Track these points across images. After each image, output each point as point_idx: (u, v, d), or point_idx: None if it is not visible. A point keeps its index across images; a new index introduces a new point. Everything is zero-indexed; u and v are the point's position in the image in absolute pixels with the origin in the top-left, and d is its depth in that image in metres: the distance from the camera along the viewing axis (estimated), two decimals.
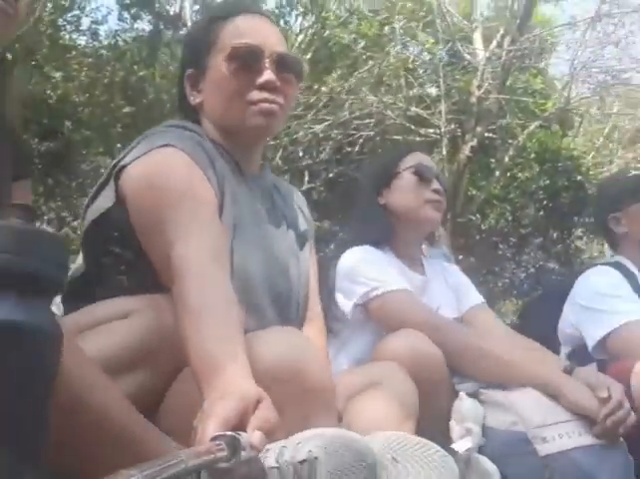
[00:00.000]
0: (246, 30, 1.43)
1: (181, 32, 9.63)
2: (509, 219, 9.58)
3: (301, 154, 9.13)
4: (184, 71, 1.48)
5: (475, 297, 2.17)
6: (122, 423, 0.97)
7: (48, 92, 9.64)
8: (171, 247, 1.17)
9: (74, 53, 9.37)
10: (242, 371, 1.01)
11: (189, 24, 9.23)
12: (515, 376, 1.76)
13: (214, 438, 0.84)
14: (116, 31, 10.20)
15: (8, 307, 0.59)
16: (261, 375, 1.08)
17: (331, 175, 9.81)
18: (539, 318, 2.51)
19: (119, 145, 10.12)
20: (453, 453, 1.67)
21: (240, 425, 0.90)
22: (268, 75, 1.39)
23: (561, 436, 1.63)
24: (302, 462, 1.00)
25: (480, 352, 1.79)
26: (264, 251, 1.43)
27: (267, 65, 1.40)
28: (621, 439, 1.68)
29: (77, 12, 9.86)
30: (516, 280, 11.04)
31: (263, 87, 1.40)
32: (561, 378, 1.75)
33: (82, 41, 9.94)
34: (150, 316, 1.17)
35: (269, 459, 1.01)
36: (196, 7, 9.62)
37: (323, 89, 7.64)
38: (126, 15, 9.92)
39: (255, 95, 1.40)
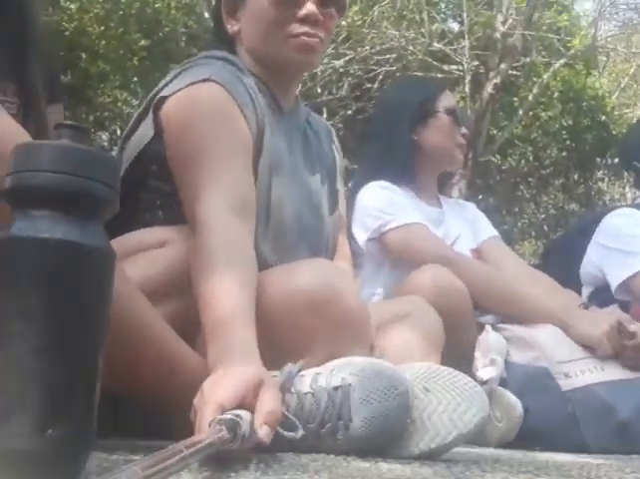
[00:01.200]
0: None
1: None
2: (531, 159, 9.46)
3: (319, 90, 9.00)
4: None
5: (490, 230, 2.21)
6: (165, 345, 1.00)
7: (64, 24, 9.50)
8: (200, 193, 1.18)
9: None
10: (249, 339, 0.99)
11: None
12: (525, 309, 1.79)
13: (214, 421, 0.82)
14: None
15: (63, 227, 0.60)
16: (298, 303, 1.10)
17: (349, 112, 9.69)
18: (561, 259, 2.52)
19: (135, 78, 10.06)
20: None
21: (242, 401, 0.87)
22: (310, 7, 1.36)
23: (583, 372, 1.66)
24: (336, 388, 1.02)
25: (491, 285, 1.82)
26: (299, 189, 1.43)
27: None
28: None
29: None
30: (536, 222, 10.99)
31: (304, 20, 1.36)
32: (569, 311, 1.78)
33: None
34: (186, 246, 1.18)
35: (304, 385, 1.03)
36: None
37: (342, 22, 7.46)
38: None
39: (296, 28, 1.37)
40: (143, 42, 9.84)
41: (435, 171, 2.16)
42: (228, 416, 0.82)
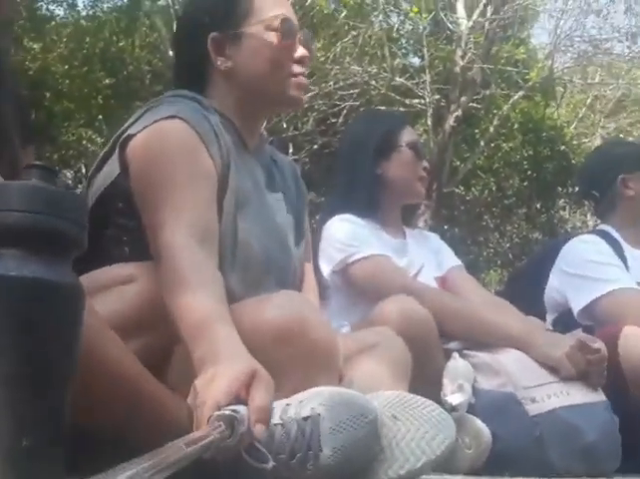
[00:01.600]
0: (279, 2, 1.47)
1: (160, 2, 9.49)
2: (494, 189, 9.63)
3: (285, 125, 9.09)
4: (201, 32, 1.44)
5: (453, 260, 2.25)
6: (134, 379, 1.00)
7: (27, 63, 9.49)
8: (163, 223, 1.20)
9: (52, 24, 9.22)
10: (232, 335, 1.01)
11: None
12: (489, 333, 1.83)
13: (213, 418, 0.84)
14: (94, 1, 10.06)
15: (32, 265, 0.61)
16: (267, 336, 1.11)
17: (315, 146, 9.78)
18: (524, 286, 2.57)
19: (100, 116, 10.05)
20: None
21: (236, 396, 0.89)
22: (303, 50, 1.44)
23: (549, 396, 1.68)
24: (305, 419, 1.03)
25: (456, 313, 1.85)
26: (265, 224, 1.45)
27: (299, 40, 1.45)
28: (604, 398, 1.75)
29: None
30: (501, 250, 11.15)
31: (299, 61, 1.44)
32: (531, 331, 1.82)
33: (60, 11, 9.77)
34: (151, 282, 1.19)
35: (274, 416, 1.04)
36: None
37: None
38: None
39: (295, 68, 1.43)
40: (107, 80, 9.86)
41: (398, 203, 2.21)
42: (226, 412, 0.85)
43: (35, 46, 9.36)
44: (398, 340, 1.62)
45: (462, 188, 9.23)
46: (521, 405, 1.67)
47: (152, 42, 10.17)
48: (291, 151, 9.83)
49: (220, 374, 0.90)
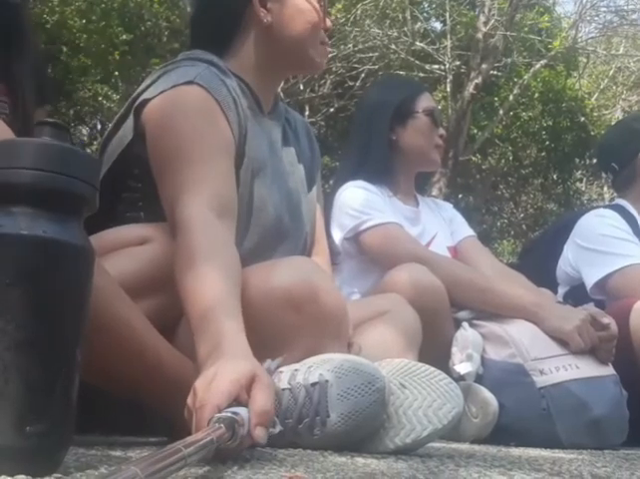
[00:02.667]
0: None
1: None
2: (510, 159, 9.54)
3: (302, 87, 9.01)
4: None
5: (466, 230, 2.23)
6: (144, 340, 1.00)
7: (45, 17, 9.42)
8: (181, 194, 1.18)
9: None
10: (238, 331, 0.98)
11: None
12: (500, 304, 1.81)
13: (213, 420, 0.82)
14: None
15: (43, 224, 0.60)
16: (277, 300, 1.10)
17: (332, 109, 9.70)
18: (538, 258, 2.56)
19: (116, 72, 9.99)
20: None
21: (237, 398, 0.87)
22: (330, 22, 1.50)
23: (558, 369, 1.68)
24: (313, 385, 1.04)
25: (467, 282, 1.85)
26: (280, 191, 1.44)
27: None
28: (614, 372, 1.74)
29: None
30: (515, 221, 11.09)
31: (327, 30, 1.49)
32: (542, 305, 1.80)
33: None
34: (167, 243, 1.18)
35: (282, 381, 1.05)
36: None
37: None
38: None
39: (323, 36, 1.48)
40: (124, 36, 9.75)
41: (412, 171, 2.19)
42: (226, 414, 0.82)
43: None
44: (408, 308, 1.62)
45: (478, 156, 9.14)
46: (530, 376, 1.67)
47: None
48: (307, 113, 9.76)
49: (221, 375, 0.88)
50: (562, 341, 1.74)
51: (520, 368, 1.69)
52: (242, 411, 0.84)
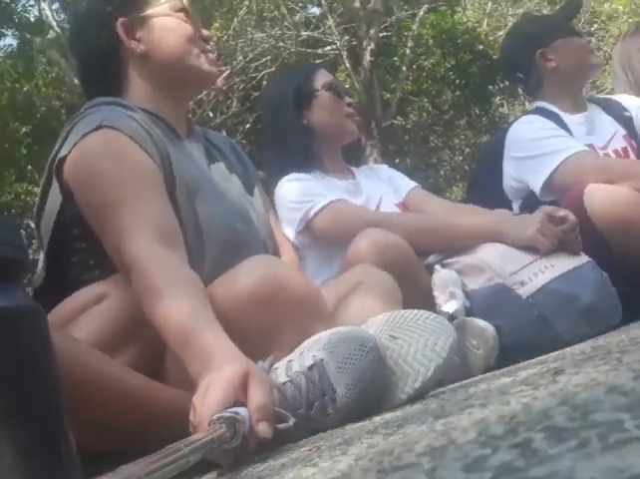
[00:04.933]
0: None
1: (48, 36, 9.27)
2: (430, 109, 9.66)
3: (211, 114, 9.00)
4: (106, 22, 1.44)
5: (408, 183, 2.26)
6: (131, 385, 0.99)
7: None
8: (123, 241, 1.17)
9: None
10: (220, 338, 0.99)
11: (55, 25, 8.89)
12: (461, 236, 1.85)
13: (213, 421, 0.83)
14: None
15: None
16: (247, 302, 1.11)
17: (248, 125, 9.72)
18: (484, 187, 2.60)
19: (29, 167, 9.86)
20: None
21: (235, 400, 0.88)
22: (206, 31, 1.53)
23: (536, 275, 1.71)
24: (310, 368, 1.04)
25: (424, 229, 1.88)
26: (223, 204, 1.44)
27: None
28: (588, 259, 1.78)
29: None
30: (455, 165, 11.23)
31: (206, 40, 1.50)
32: (498, 222, 1.84)
33: None
34: (123, 295, 1.18)
35: (280, 376, 1.05)
36: (56, 6, 9.25)
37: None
38: None
39: (204, 46, 1.49)
40: (24, 129, 9.67)
41: (333, 146, 2.20)
42: (226, 414, 0.83)
43: None
44: (379, 272, 1.63)
45: (399, 118, 9.24)
46: (513, 291, 1.70)
47: (55, 77, 9.97)
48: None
49: (214, 385, 0.88)
50: (530, 248, 1.77)
51: (502, 287, 1.72)
52: (242, 411, 0.85)
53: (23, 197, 10.43)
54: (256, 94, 8.37)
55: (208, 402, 0.86)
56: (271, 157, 2.23)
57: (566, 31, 2.44)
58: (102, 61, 1.48)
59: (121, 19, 1.44)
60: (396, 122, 8.92)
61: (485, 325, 1.67)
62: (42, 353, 0.62)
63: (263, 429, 0.86)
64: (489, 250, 1.79)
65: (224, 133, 9.61)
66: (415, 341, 1.09)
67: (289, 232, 2.03)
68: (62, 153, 1.31)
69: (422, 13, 8.03)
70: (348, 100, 2.20)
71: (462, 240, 1.83)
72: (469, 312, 1.73)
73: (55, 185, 1.32)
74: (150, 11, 1.46)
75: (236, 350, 0.97)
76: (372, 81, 7.29)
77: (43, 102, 9.85)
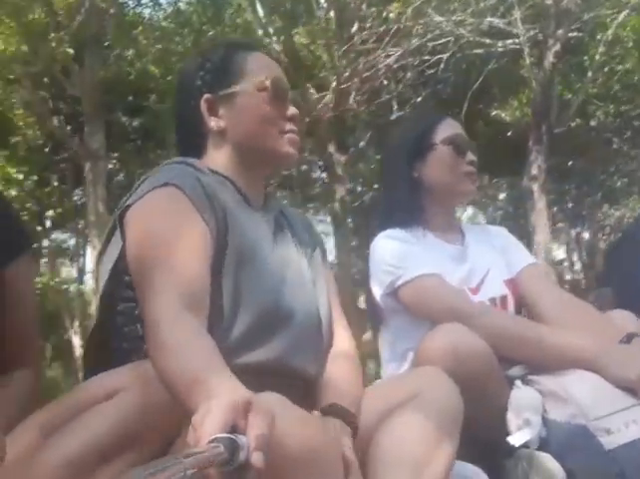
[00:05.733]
0: (271, 64, 1.53)
1: None
2: (614, 115, 8.88)
3: (385, 82, 8.86)
4: (195, 95, 1.47)
5: (525, 258, 2.03)
6: None
7: (126, 69, 9.82)
8: (147, 295, 1.19)
9: (140, 29, 9.46)
10: (226, 378, 1.00)
11: None
12: (552, 357, 1.64)
13: (211, 441, 0.83)
14: None
15: None
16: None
17: (419, 99, 9.49)
18: (627, 257, 2.32)
19: None
20: (512, 450, 1.58)
21: (234, 427, 0.87)
22: (294, 109, 1.49)
23: (627, 425, 1.48)
24: None
25: (514, 337, 1.68)
26: (274, 275, 1.40)
27: (288, 100, 1.50)
28: None
29: None
30: (635, 178, 10.37)
31: (291, 119, 1.48)
32: (601, 351, 1.60)
33: (145, 14, 9.99)
34: (135, 394, 1.13)
35: None
36: None
37: (391, 15, 7.33)
38: None
39: (286, 125, 1.47)
40: None
41: (444, 206, 2.02)
42: (225, 435, 0.83)
43: (129, 52, 9.64)
44: (444, 385, 1.47)
45: (578, 120, 8.58)
46: (595, 438, 1.48)
47: (240, 24, 10.20)
48: (395, 107, 9.61)
49: (214, 406, 0.88)
50: (630, 390, 1.53)
51: (584, 430, 1.50)
52: (242, 438, 0.84)
53: None
54: (432, 71, 8.08)
55: (208, 423, 0.86)
56: (381, 204, 2.11)
57: None
58: (187, 126, 1.52)
59: (205, 96, 1.47)
60: (573, 124, 8.28)
61: (555, 469, 1.47)
62: None
63: (257, 459, 0.85)
64: (580, 383, 1.56)
65: (396, 103, 9.45)
66: None
67: (376, 290, 1.92)
68: (129, 201, 1.35)
69: (622, 17, 7.28)
70: (470, 158, 1.99)
71: (552, 362, 1.62)
72: (543, 443, 1.53)
73: (118, 230, 1.35)
74: (233, 89, 1.47)
75: (242, 386, 0.97)
76: (553, 82, 6.77)
77: None
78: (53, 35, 7.88)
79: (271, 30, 9.36)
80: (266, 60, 1.54)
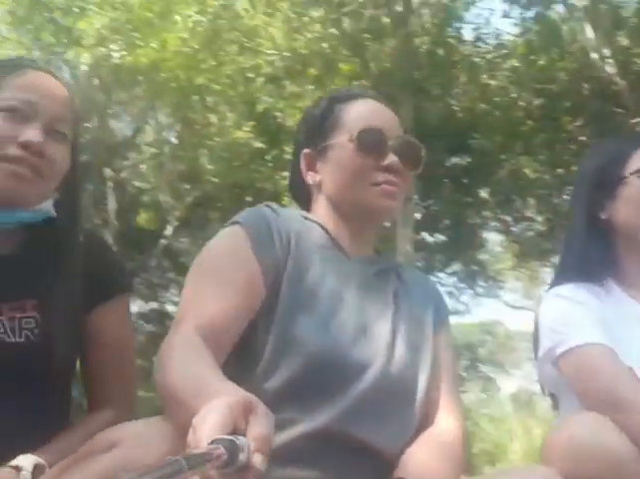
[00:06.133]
0: (369, 113, 1.47)
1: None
2: None
3: None
4: (299, 150, 1.51)
5: None
6: None
7: (452, 105, 9.95)
8: (175, 324, 1.23)
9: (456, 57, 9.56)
10: (228, 382, 1.01)
11: None
12: None
13: (212, 442, 0.82)
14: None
15: None
16: None
17: None
18: None
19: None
20: None
21: (235, 428, 0.87)
22: (392, 158, 1.42)
23: None
24: None
25: None
26: (343, 324, 1.34)
27: (391, 148, 1.43)
28: None
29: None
30: None
31: (387, 169, 1.42)
32: None
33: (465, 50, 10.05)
34: (131, 447, 1.10)
35: None
36: None
37: None
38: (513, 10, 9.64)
39: (379, 177, 1.42)
40: (536, 101, 9.66)
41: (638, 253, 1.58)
42: (226, 437, 0.83)
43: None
44: None
45: None
46: None
47: (573, 51, 9.61)
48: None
49: (215, 408, 0.88)
50: None
51: None
52: (242, 439, 0.84)
53: (524, 170, 10.54)
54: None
55: (208, 424, 0.86)
56: (562, 251, 1.73)
57: None
58: (294, 180, 1.54)
59: (304, 151, 1.48)
60: None
61: None
62: None
63: (258, 461, 0.84)
64: None
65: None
66: None
67: (540, 350, 1.58)
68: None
69: None
70: None
71: None
72: None
73: None
74: (327, 142, 1.46)
75: (241, 389, 0.97)
76: None
77: (565, 76, 9.59)
78: None
79: (607, 52, 8.68)
80: (368, 109, 1.48)
